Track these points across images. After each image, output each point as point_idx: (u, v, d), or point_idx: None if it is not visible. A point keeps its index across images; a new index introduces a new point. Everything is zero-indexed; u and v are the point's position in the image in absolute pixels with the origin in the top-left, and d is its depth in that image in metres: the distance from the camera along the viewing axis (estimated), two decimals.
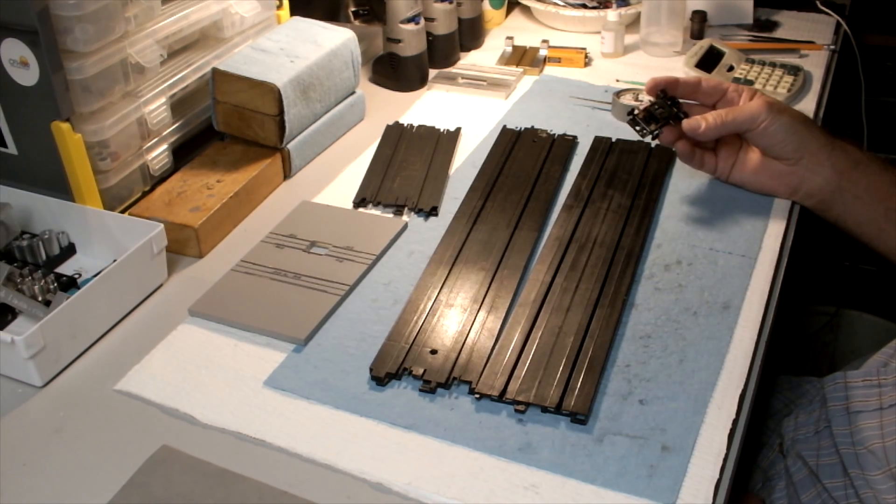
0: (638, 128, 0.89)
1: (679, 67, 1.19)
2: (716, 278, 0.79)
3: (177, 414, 0.68)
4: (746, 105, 0.86)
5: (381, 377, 0.69)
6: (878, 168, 0.86)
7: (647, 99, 0.91)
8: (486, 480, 0.61)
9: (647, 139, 0.92)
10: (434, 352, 0.71)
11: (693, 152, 0.90)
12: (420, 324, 0.74)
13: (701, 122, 0.86)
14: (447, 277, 0.79)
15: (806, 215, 0.92)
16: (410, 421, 0.66)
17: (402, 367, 0.70)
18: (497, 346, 0.71)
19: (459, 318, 0.74)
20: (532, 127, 1.04)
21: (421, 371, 0.69)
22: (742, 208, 0.89)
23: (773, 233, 0.85)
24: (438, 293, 0.77)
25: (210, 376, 0.71)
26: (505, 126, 1.05)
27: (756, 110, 0.85)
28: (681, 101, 0.90)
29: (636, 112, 0.89)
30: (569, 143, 1.00)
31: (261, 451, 0.64)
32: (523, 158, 0.97)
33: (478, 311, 0.75)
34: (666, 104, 0.89)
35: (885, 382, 0.82)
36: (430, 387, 0.68)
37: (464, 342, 0.72)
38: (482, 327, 0.73)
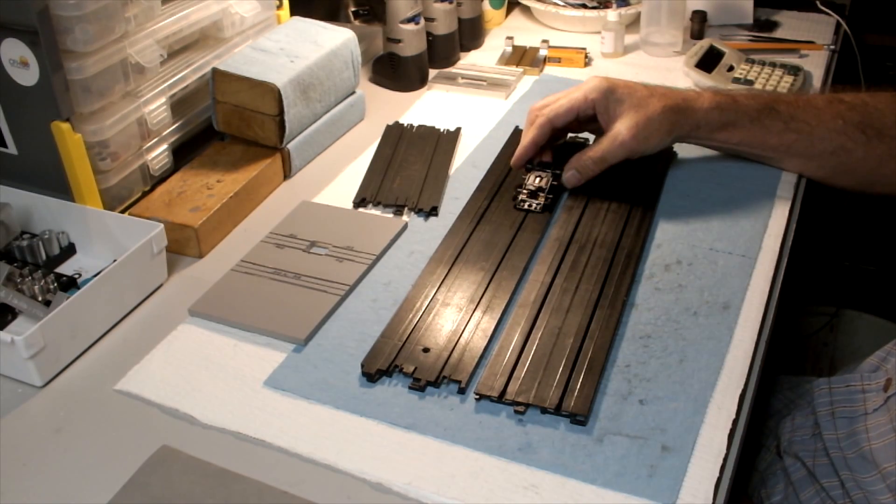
0: (533, 208, 0.88)
1: (679, 67, 1.19)
2: (716, 278, 0.79)
3: (177, 414, 0.68)
4: (611, 139, 0.87)
5: (372, 373, 0.69)
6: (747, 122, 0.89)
7: (531, 179, 0.90)
8: (486, 480, 0.61)
9: (542, 209, 0.88)
10: (426, 350, 0.71)
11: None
12: (415, 322, 0.74)
13: (576, 175, 0.88)
14: (446, 277, 0.79)
15: (806, 216, 0.92)
16: (410, 421, 0.66)
17: (393, 365, 0.70)
18: (497, 347, 0.71)
19: (454, 318, 0.74)
20: None
21: (411, 369, 0.69)
22: (742, 208, 0.89)
23: (773, 233, 0.85)
24: (436, 292, 0.77)
25: (210, 376, 0.71)
26: (517, 127, 1.04)
27: (622, 144, 0.86)
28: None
29: (518, 197, 0.89)
30: (580, 145, 1.00)
31: (261, 451, 0.64)
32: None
33: (473, 310, 0.75)
34: (539, 167, 0.91)
35: (869, 388, 0.82)
36: (420, 385, 0.68)
37: (457, 341, 0.72)
38: (476, 327, 0.73)
